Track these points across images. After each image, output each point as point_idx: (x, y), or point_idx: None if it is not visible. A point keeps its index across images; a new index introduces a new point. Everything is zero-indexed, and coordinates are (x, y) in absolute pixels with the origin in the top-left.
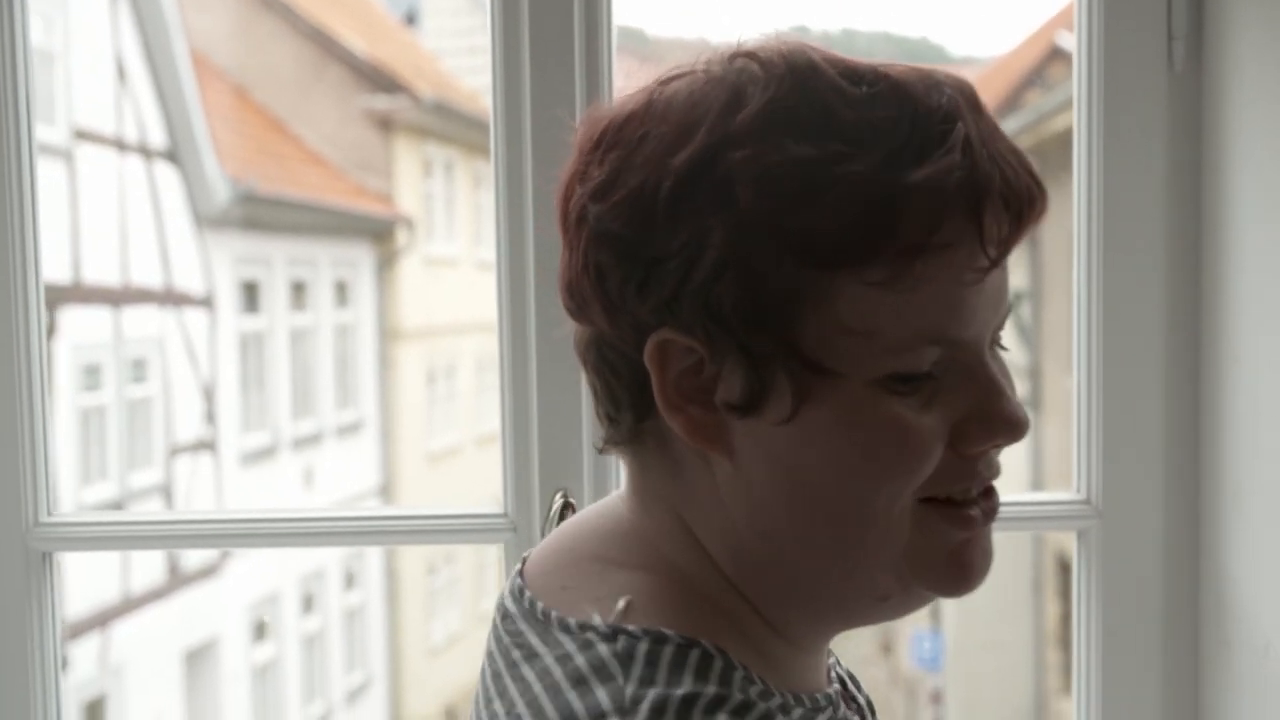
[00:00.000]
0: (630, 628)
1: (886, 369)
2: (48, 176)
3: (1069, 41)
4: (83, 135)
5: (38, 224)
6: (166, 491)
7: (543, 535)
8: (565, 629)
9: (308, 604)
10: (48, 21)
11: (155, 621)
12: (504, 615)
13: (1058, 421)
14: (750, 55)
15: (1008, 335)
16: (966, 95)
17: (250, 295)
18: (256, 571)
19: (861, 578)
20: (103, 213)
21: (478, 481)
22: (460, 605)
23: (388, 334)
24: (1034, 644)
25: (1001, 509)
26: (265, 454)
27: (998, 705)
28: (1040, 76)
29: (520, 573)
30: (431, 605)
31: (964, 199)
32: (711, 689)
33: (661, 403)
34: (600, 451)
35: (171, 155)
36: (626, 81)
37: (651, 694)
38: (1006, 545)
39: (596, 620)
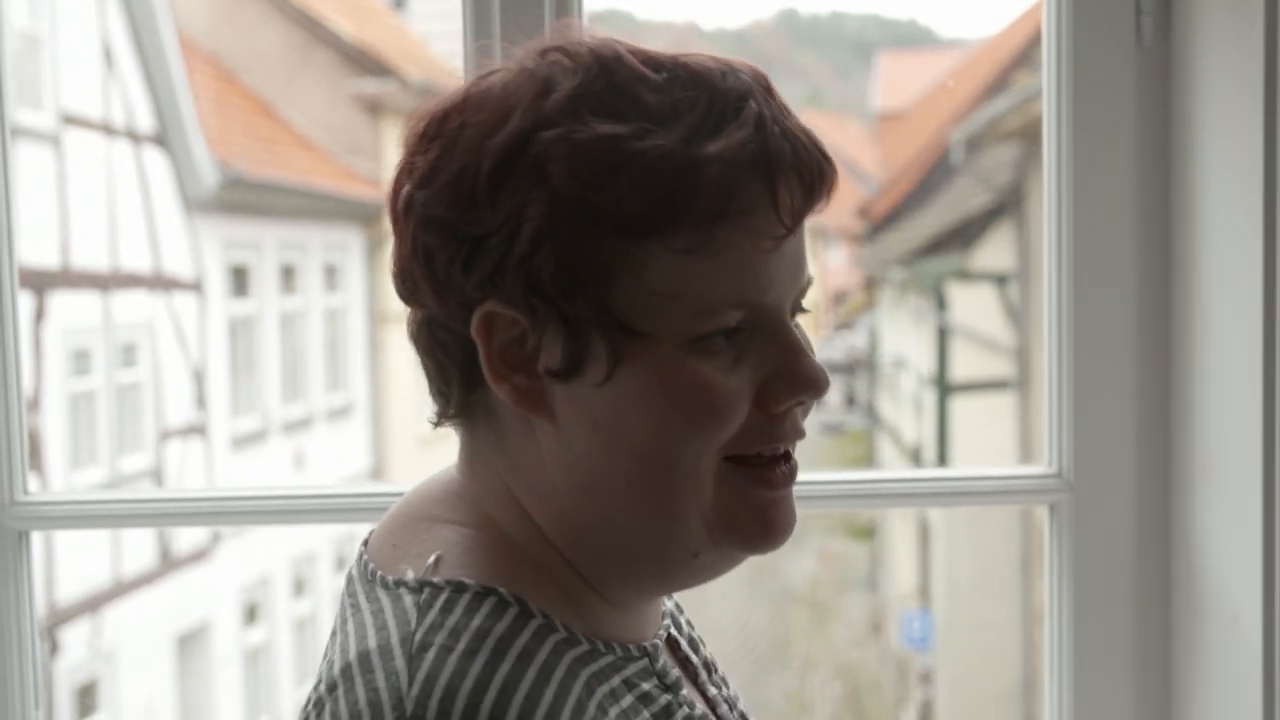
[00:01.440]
0: (435, 579)
1: (693, 330)
2: (35, 161)
3: None
4: (70, 120)
5: (11, 207)
6: (157, 475)
7: None
8: (384, 586)
9: (299, 587)
10: (34, 6)
11: (147, 605)
12: (347, 580)
13: None
14: (560, 49)
15: (994, 315)
16: (760, 79)
17: (240, 279)
18: (248, 555)
19: (674, 532)
20: (91, 197)
21: None
22: None
23: (378, 317)
24: (1023, 623)
25: (976, 482)
26: (255, 438)
27: (987, 684)
28: (1028, 58)
29: (366, 538)
30: None
31: (758, 169)
32: (499, 630)
33: (489, 373)
34: (435, 426)
35: (160, 139)
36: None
37: (438, 639)
38: (994, 524)
39: (409, 576)
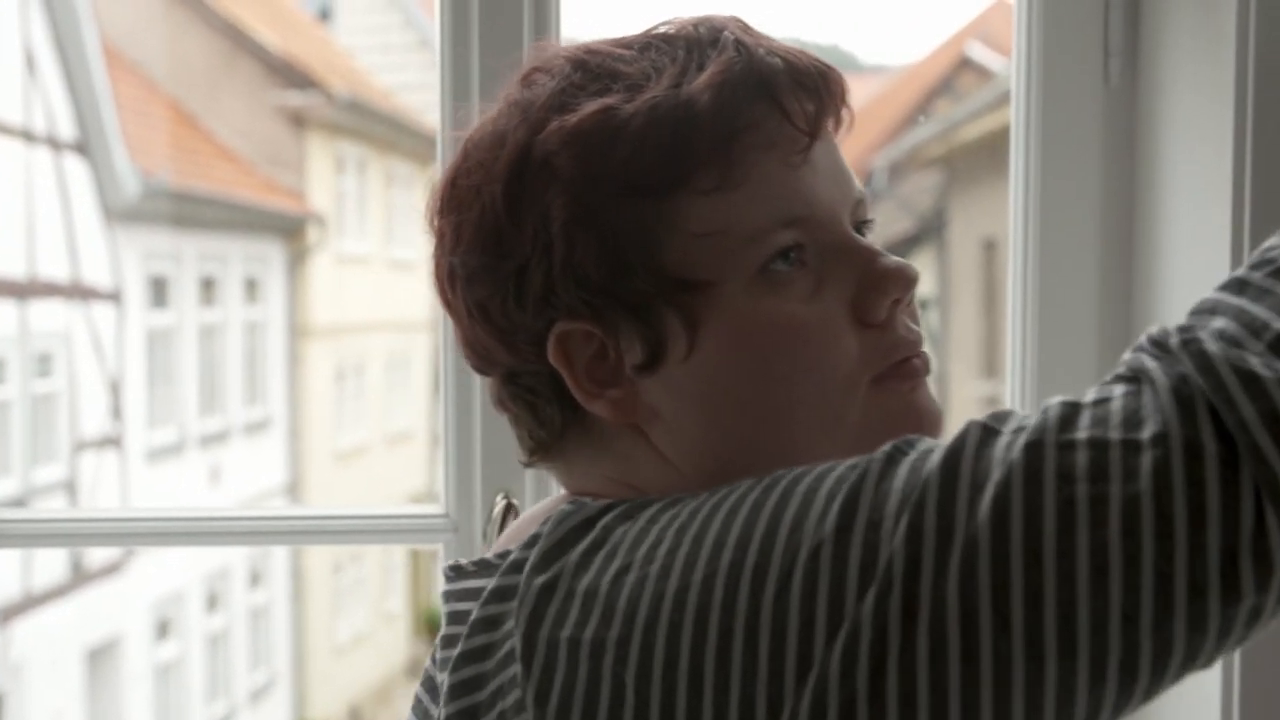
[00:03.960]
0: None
1: (753, 262)
2: None
3: (979, 52)
4: None
5: None
6: (71, 487)
7: (484, 537)
8: (530, 543)
9: (212, 602)
10: None
11: (57, 619)
12: (442, 632)
13: None
14: (535, 69)
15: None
16: (735, 19)
17: (159, 291)
18: (160, 570)
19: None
20: (9, 205)
21: (386, 480)
22: (367, 604)
23: (297, 331)
24: None
25: None
26: (171, 451)
27: None
28: (949, 86)
29: (452, 567)
30: (337, 604)
31: (751, 84)
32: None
33: (580, 395)
34: (527, 465)
35: (81, 148)
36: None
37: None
38: None
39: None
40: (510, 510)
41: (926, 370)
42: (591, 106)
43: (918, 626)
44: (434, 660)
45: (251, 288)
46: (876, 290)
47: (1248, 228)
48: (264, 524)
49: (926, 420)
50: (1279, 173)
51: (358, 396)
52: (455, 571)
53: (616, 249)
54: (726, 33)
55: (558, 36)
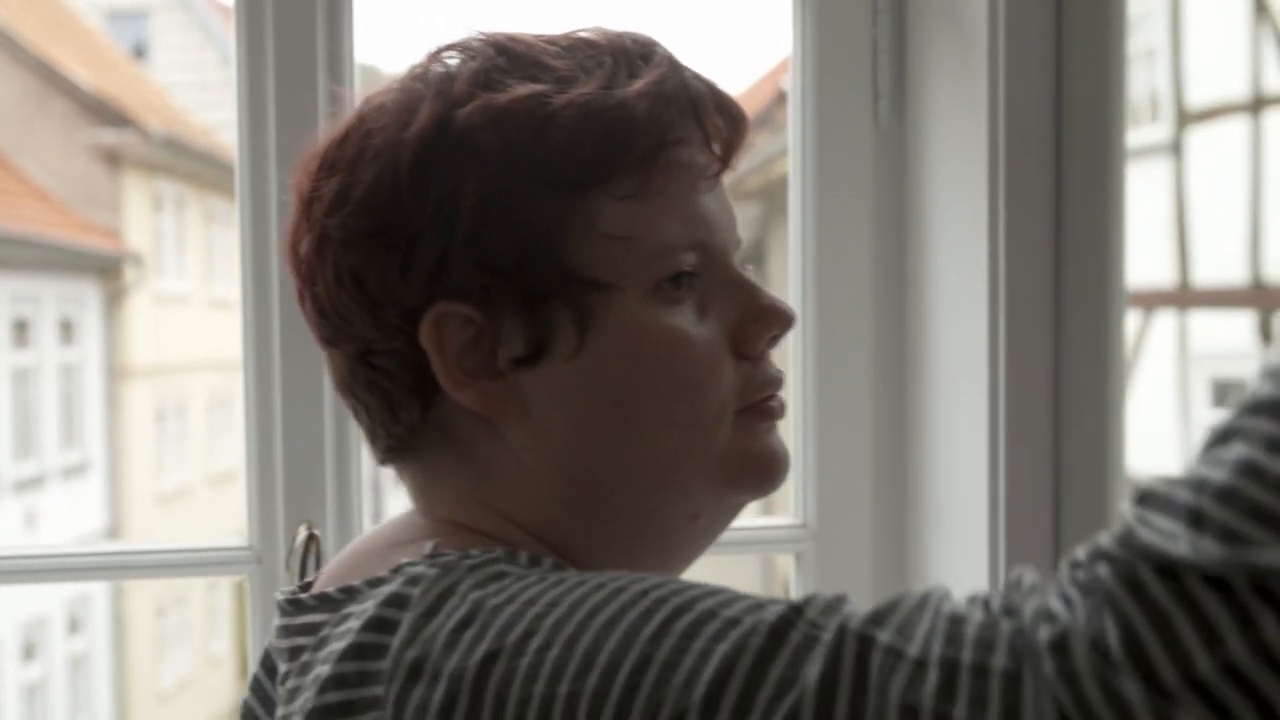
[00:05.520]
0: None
1: (655, 274)
2: None
3: None
4: None
5: None
6: None
7: (287, 568)
8: (375, 583)
9: (29, 652)
10: None
11: None
12: (266, 662)
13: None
14: (449, 48)
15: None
16: (655, 40)
17: None
18: None
19: (678, 497)
20: None
21: (211, 520)
22: (191, 647)
23: (116, 372)
24: None
25: (728, 533)
26: None
27: None
28: (768, 120)
29: (289, 601)
30: (161, 648)
31: (682, 103)
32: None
33: (447, 383)
34: (381, 464)
35: None
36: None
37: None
38: (737, 572)
39: (404, 560)
40: (313, 540)
41: (782, 413)
42: (523, 90)
43: None
44: (259, 698)
45: (67, 329)
46: (759, 323)
47: (1003, 256)
48: (62, 561)
49: (778, 462)
50: (1029, 204)
51: (180, 437)
52: (294, 606)
53: (526, 236)
54: (660, 49)
55: (351, 63)
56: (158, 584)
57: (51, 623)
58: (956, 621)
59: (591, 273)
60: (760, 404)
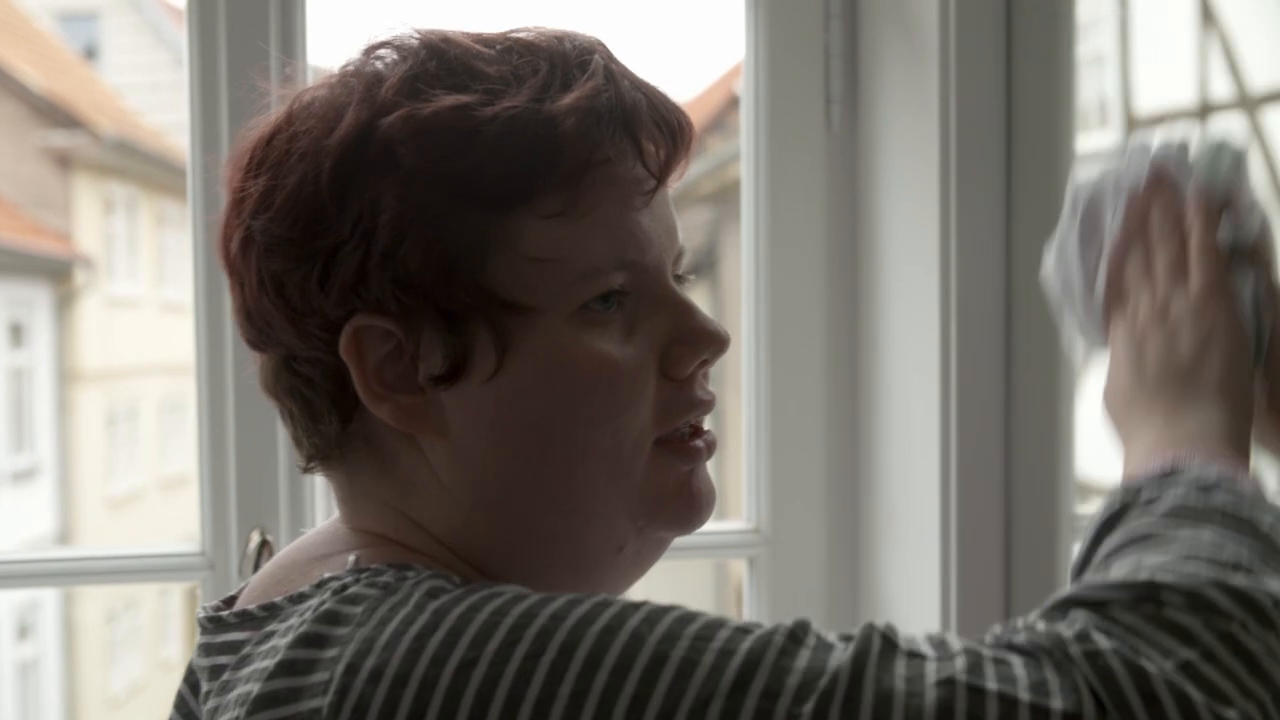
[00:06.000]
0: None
1: (579, 297)
2: None
3: None
4: None
5: None
6: None
7: (240, 573)
8: (298, 599)
9: None
10: None
11: None
12: (190, 678)
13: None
14: (382, 44)
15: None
16: (599, 43)
17: None
18: None
19: (598, 527)
20: None
21: (163, 524)
22: (143, 652)
23: (66, 376)
24: None
25: (681, 539)
26: None
27: None
28: (721, 124)
29: (210, 619)
30: (111, 654)
31: (615, 119)
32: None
33: (366, 396)
34: (305, 471)
35: None
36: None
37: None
38: (690, 576)
39: (327, 575)
40: (265, 547)
41: (709, 453)
42: (448, 101)
43: None
44: (183, 715)
45: (16, 332)
46: (689, 346)
47: (954, 260)
48: (11, 567)
49: (695, 501)
50: (980, 207)
51: (131, 442)
52: (215, 624)
53: (444, 254)
54: (597, 57)
55: (304, 59)
56: (108, 589)
57: None
58: (971, 648)
59: (511, 295)
60: (683, 441)
